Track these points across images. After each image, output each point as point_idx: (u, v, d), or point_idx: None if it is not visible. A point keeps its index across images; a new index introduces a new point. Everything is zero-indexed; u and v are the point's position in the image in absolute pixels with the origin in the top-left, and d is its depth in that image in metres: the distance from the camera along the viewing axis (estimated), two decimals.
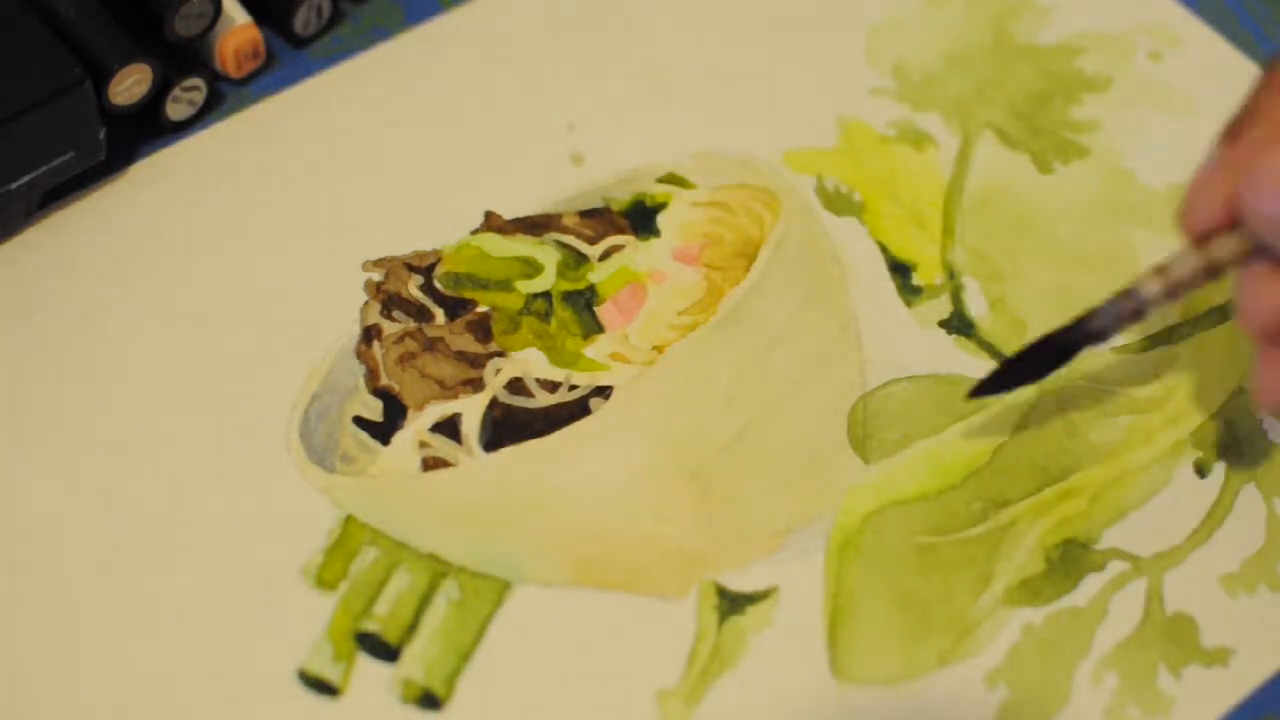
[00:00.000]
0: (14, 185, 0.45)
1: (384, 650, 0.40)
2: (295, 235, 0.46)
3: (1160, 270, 0.38)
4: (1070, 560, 0.42)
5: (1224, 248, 0.37)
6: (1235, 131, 0.37)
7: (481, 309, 0.45)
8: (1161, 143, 0.50)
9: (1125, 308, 0.39)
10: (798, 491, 0.42)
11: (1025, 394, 0.44)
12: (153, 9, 0.47)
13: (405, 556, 0.41)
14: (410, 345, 0.44)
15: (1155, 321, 0.46)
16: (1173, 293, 0.38)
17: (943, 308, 0.46)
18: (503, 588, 0.41)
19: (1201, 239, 0.37)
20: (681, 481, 0.42)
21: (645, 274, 0.46)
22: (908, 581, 0.41)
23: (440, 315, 0.45)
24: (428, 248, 0.46)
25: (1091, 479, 0.43)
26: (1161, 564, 0.42)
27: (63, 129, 0.45)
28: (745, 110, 0.50)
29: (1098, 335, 0.39)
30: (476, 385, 0.43)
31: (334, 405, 0.43)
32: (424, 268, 0.46)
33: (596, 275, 0.46)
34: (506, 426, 0.43)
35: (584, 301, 0.45)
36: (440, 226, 0.47)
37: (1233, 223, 0.37)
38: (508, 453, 0.42)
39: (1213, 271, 0.37)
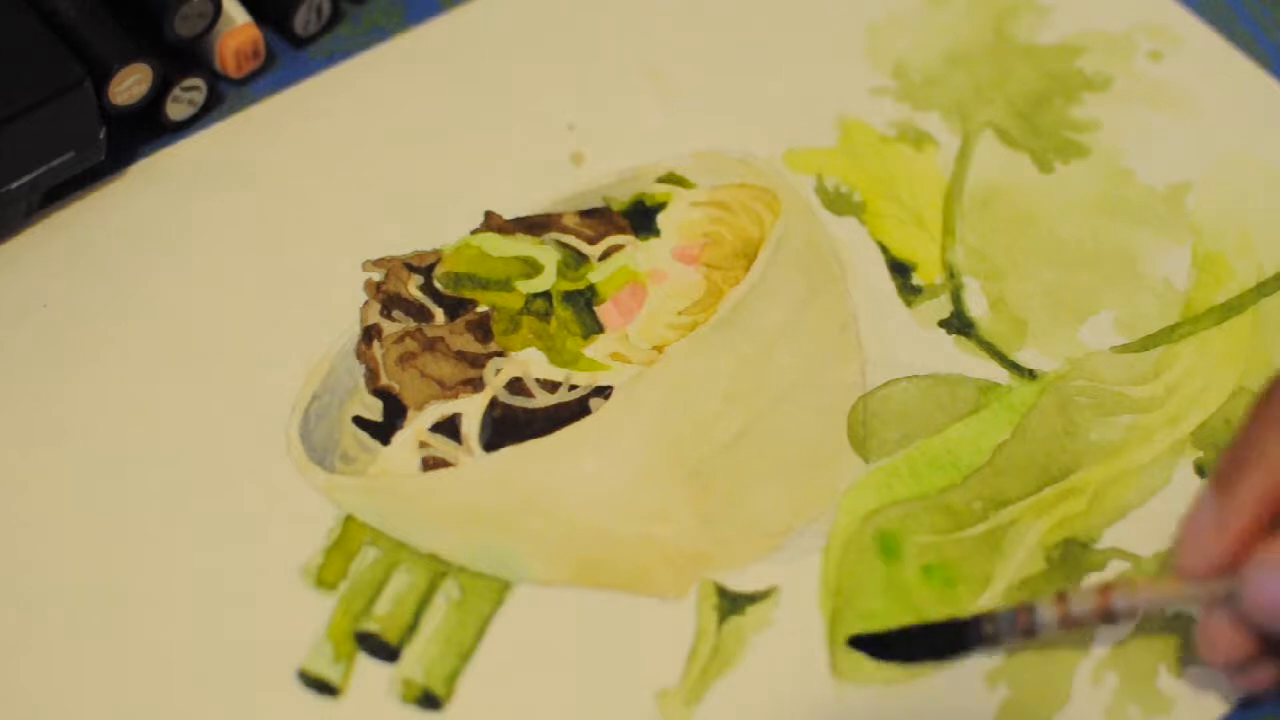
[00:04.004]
0: (14, 185, 0.45)
1: (384, 650, 0.40)
2: (295, 235, 0.46)
3: (1061, 599, 0.39)
4: (1070, 560, 0.42)
5: (1125, 599, 0.38)
6: (1227, 475, 0.37)
7: (481, 309, 0.45)
8: (1161, 142, 0.50)
9: (1021, 620, 0.39)
10: (797, 491, 0.42)
11: (1025, 394, 0.44)
12: (153, 9, 0.47)
13: (405, 556, 0.41)
14: (410, 345, 0.44)
15: (1155, 321, 0.46)
16: (1066, 622, 0.39)
17: (943, 307, 0.46)
18: (503, 588, 0.41)
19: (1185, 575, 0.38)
20: (681, 481, 0.42)
21: (645, 274, 0.46)
22: (908, 581, 0.41)
23: (440, 315, 0.45)
24: (428, 248, 0.46)
25: (1092, 478, 0.43)
26: (1162, 563, 0.42)
27: (63, 129, 0.45)
28: (745, 110, 0.50)
29: (990, 640, 0.39)
30: (476, 385, 0.43)
31: (334, 405, 0.43)
32: (424, 268, 0.46)
33: (596, 275, 0.46)
34: (506, 426, 0.43)
35: (584, 301, 0.45)
36: (440, 226, 0.47)
37: (1222, 569, 0.37)
38: (508, 453, 0.42)
39: (1109, 617, 0.38)
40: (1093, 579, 0.41)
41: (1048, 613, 0.39)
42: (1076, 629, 0.39)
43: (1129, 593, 0.38)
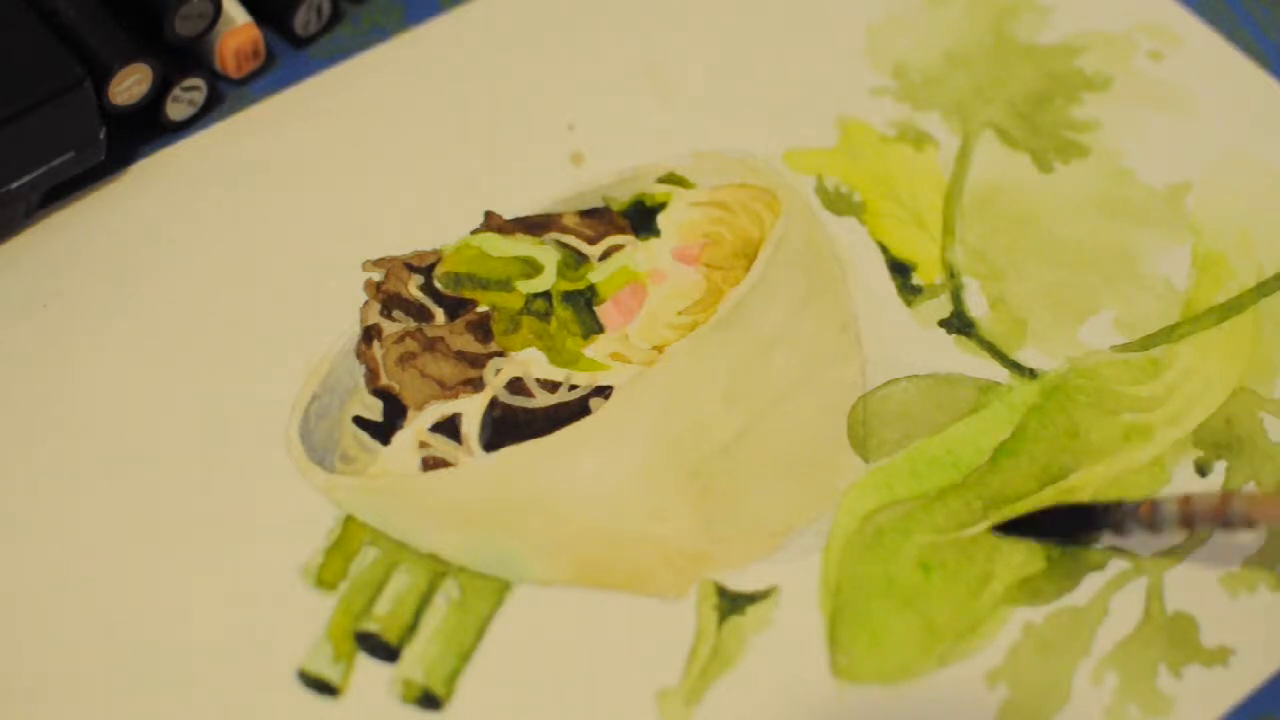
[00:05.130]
0: (14, 185, 0.45)
1: (384, 650, 0.40)
2: (295, 235, 0.46)
3: (1185, 498, 0.41)
4: (1070, 559, 0.42)
5: (1243, 505, 0.40)
6: None
7: (481, 309, 0.45)
8: (1161, 142, 0.50)
9: (1145, 512, 0.41)
10: (798, 491, 0.42)
11: (1026, 393, 0.44)
12: (153, 9, 0.47)
13: (405, 556, 0.41)
14: (410, 345, 0.44)
15: (1155, 320, 0.46)
16: (1186, 519, 0.41)
17: (943, 307, 0.46)
18: (503, 588, 0.41)
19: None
20: (681, 481, 0.42)
21: (645, 274, 0.46)
22: (908, 581, 0.41)
23: (440, 315, 0.45)
24: (428, 248, 0.46)
25: (1092, 477, 0.43)
26: (1162, 563, 0.42)
27: (63, 129, 0.45)
28: (745, 110, 0.50)
29: (1117, 525, 0.41)
30: (476, 385, 0.43)
31: (334, 405, 0.43)
32: (424, 268, 0.46)
33: (596, 275, 0.46)
34: (506, 426, 0.43)
35: (584, 301, 0.45)
36: (440, 226, 0.47)
37: None
38: (508, 453, 0.42)
39: (1227, 521, 0.40)
40: (1094, 578, 0.41)
41: (1169, 507, 0.40)
42: (1195, 528, 0.41)
43: (1249, 501, 0.40)
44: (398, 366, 0.44)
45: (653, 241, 0.46)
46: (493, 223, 0.47)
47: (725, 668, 0.40)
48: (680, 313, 0.45)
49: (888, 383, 0.44)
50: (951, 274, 0.47)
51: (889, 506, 0.42)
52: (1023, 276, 0.47)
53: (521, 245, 0.46)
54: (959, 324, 0.46)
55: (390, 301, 0.45)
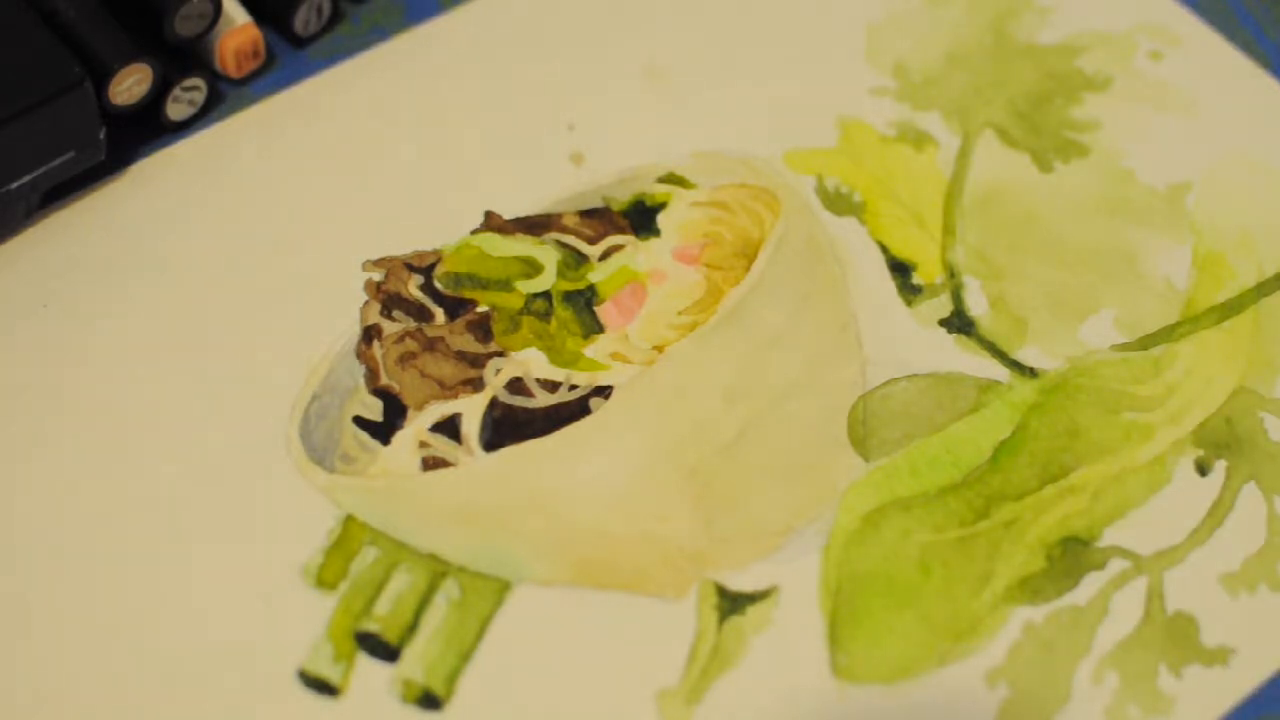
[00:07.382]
0: (14, 185, 0.45)
1: (384, 650, 0.40)
2: (295, 235, 0.46)
3: None
4: (1071, 558, 0.42)
5: None
6: None
7: (481, 309, 0.45)
8: (1161, 142, 0.50)
9: None
10: (798, 491, 0.42)
11: (1026, 392, 0.44)
12: (153, 9, 0.47)
13: (405, 556, 0.41)
14: (410, 345, 0.44)
15: (1155, 320, 0.46)
16: None
17: (943, 306, 0.46)
18: (503, 588, 0.41)
19: None
20: (681, 481, 0.42)
21: (645, 274, 0.46)
22: (908, 580, 0.41)
23: (440, 315, 0.45)
24: (428, 248, 0.46)
25: (1092, 476, 0.43)
26: (1162, 562, 0.42)
27: (63, 129, 0.45)
28: (745, 110, 0.50)
29: None
30: (476, 385, 0.43)
31: (334, 405, 0.43)
32: (424, 268, 0.46)
33: (596, 275, 0.46)
34: (506, 426, 0.43)
35: (584, 301, 0.45)
36: (440, 226, 0.47)
37: None
38: (508, 453, 0.42)
39: None
40: (1094, 578, 0.41)
41: None
42: None
43: None
44: (398, 366, 0.44)
45: (653, 241, 0.46)
46: (493, 223, 0.47)
47: (725, 668, 0.40)
48: (680, 313, 0.45)
49: (888, 382, 0.44)
50: (952, 273, 0.47)
51: (889, 506, 0.42)
52: (1023, 276, 0.47)
53: (521, 245, 0.46)
54: (959, 323, 0.46)
55: (390, 301, 0.45)
